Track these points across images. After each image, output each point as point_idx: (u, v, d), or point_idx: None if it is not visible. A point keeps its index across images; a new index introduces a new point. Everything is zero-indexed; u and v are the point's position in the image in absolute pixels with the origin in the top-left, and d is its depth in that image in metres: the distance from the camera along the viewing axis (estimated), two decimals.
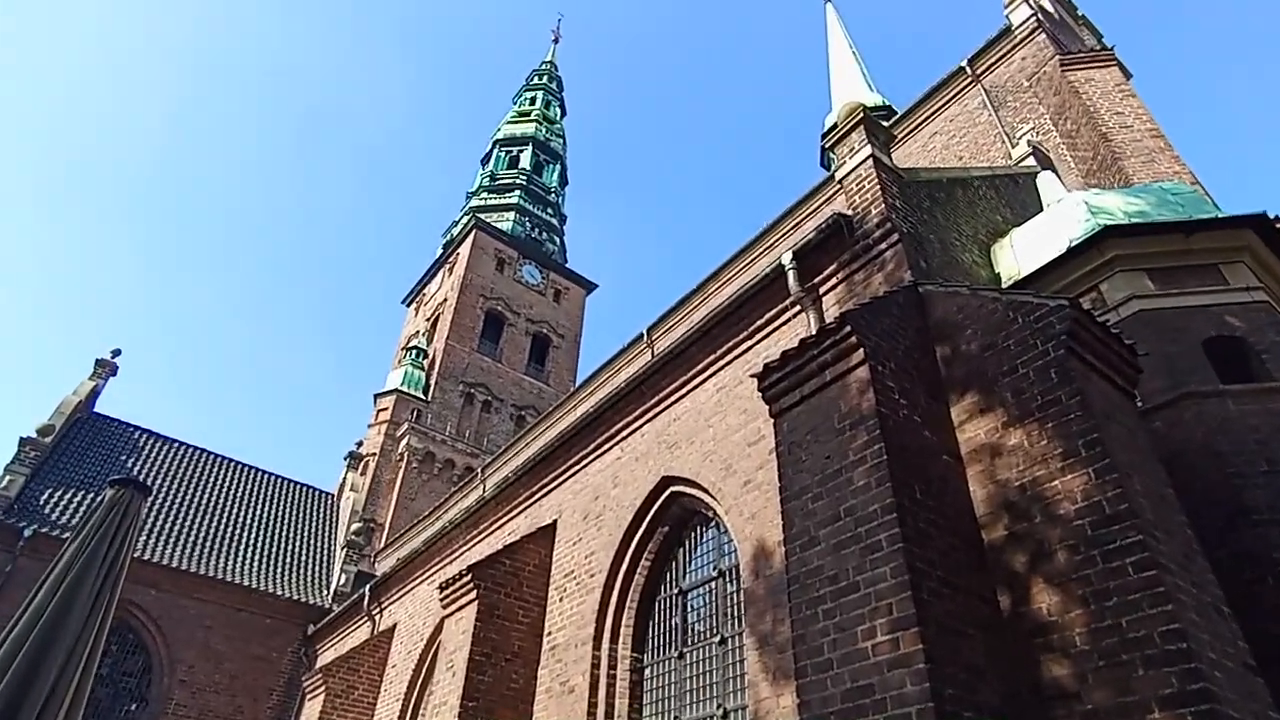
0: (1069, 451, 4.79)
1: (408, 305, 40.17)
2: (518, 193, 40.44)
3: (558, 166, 44.17)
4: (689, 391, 8.38)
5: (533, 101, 45.92)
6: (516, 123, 44.27)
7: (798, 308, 7.27)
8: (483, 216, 37.91)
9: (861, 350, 5.19)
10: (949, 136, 14.00)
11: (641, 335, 18.38)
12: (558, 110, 46.59)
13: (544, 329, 35.92)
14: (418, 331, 36.09)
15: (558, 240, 40.42)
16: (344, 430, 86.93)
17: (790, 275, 7.17)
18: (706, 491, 7.64)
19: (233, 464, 25.55)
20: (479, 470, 23.17)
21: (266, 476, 25.98)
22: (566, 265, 40.27)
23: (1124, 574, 4.33)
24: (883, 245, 6.80)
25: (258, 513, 23.66)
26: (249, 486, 24.83)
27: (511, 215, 39.05)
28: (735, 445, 7.40)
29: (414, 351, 32.51)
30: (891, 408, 5.07)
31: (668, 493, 8.21)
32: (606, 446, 9.42)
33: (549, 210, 41.29)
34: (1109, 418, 4.93)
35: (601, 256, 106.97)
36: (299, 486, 26.64)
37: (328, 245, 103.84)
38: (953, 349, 5.70)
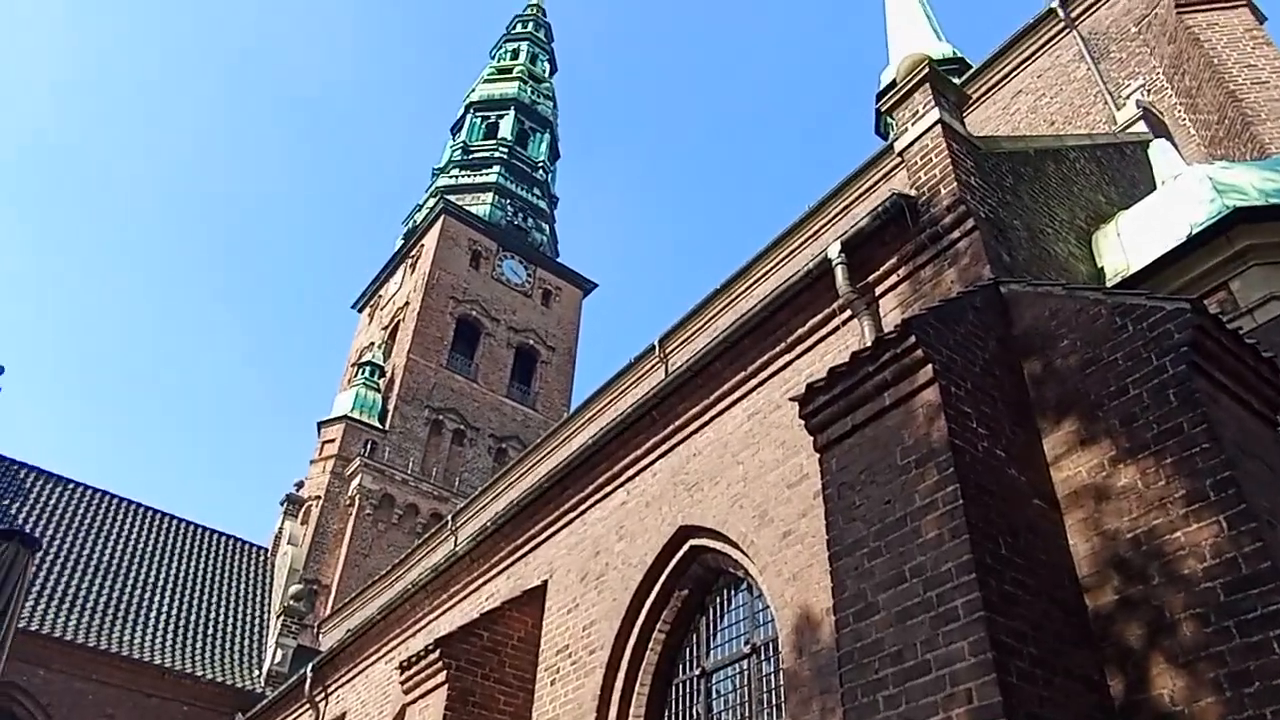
0: (1194, 494, 4.73)
1: (359, 310, 40.42)
2: (497, 169, 40.74)
3: (546, 136, 44.45)
4: (713, 419, 8.43)
5: (515, 55, 46.38)
6: (495, 81, 44.70)
7: (848, 313, 7.28)
8: (453, 199, 38.19)
9: (930, 366, 5.17)
10: (1037, 96, 14.01)
11: (652, 348, 18.49)
12: (546, 65, 47.04)
13: (530, 339, 36.15)
14: (372, 343, 36.35)
15: (547, 228, 40.64)
16: (280, 467, 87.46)
17: (839, 272, 7.18)
18: (735, 545, 7.65)
19: (142, 510, 25.61)
20: (449, 518, 23.20)
21: (185, 526, 26.07)
22: (558, 260, 40.55)
23: (1268, 651, 4.26)
24: (955, 234, 6.80)
25: (174, 572, 23.71)
26: (163, 538, 24.92)
27: (489, 197, 39.30)
28: (771, 487, 7.40)
29: (368, 368, 32.77)
30: (968, 439, 5.04)
31: (687, 547, 8.23)
32: (609, 489, 9.46)
33: (536, 191, 41.56)
34: (1244, 451, 4.88)
35: (602, 249, 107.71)
36: (225, 539, 26.70)
37: (256, 232, 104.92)
38: (1044, 365, 5.67)
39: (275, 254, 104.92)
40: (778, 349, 7.92)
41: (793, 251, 16.06)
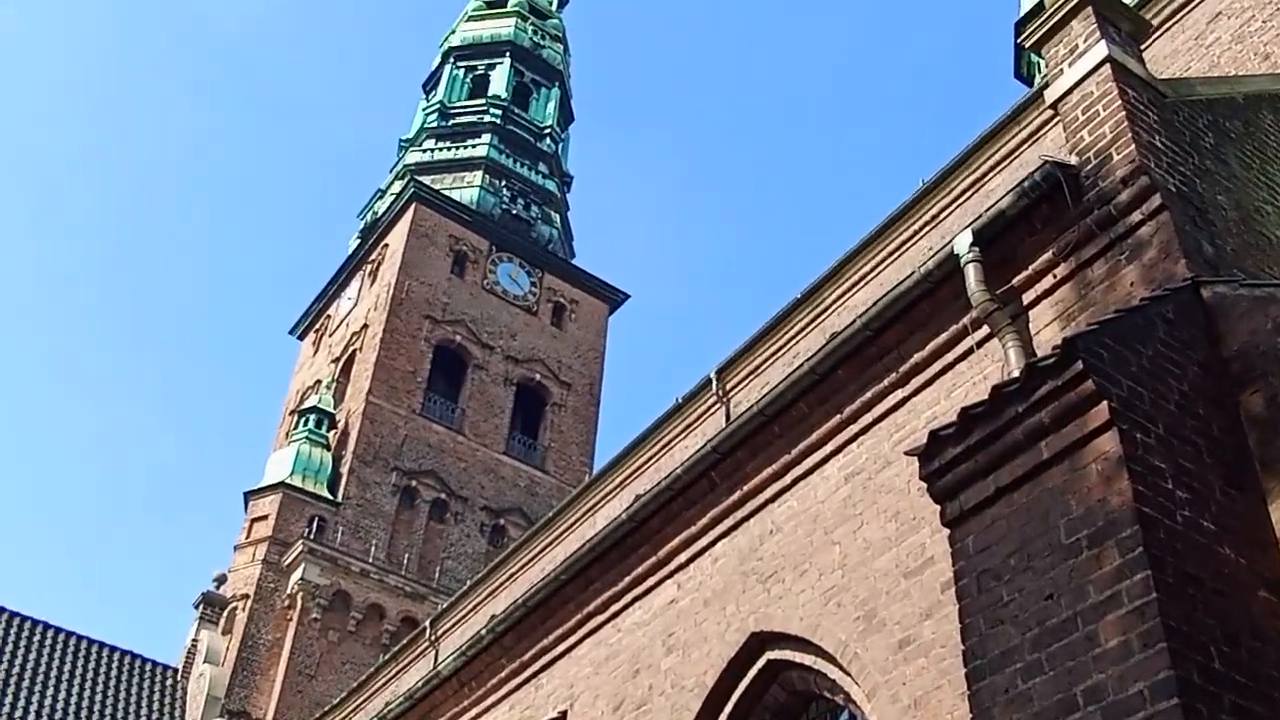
0: None
1: (299, 337, 40.92)
2: (487, 139, 41.11)
3: (555, 92, 44.85)
4: (796, 482, 8.50)
5: None
6: (483, 18, 45.27)
7: (984, 330, 7.27)
8: (427, 181, 38.65)
9: (1105, 404, 5.14)
10: (1244, 19, 13.92)
11: (709, 383, 18.53)
12: None
13: (536, 373, 36.37)
14: (318, 381, 36.80)
15: (558, 219, 40.94)
16: (194, 556, 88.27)
17: (970, 273, 7.18)
18: (832, 660, 7.64)
19: (4, 616, 26.02)
20: (427, 624, 23.26)
21: (62, 638, 26.40)
22: (574, 263, 40.90)
23: None
24: (1135, 216, 6.77)
25: (47, 700, 23.97)
26: (32, 654, 25.23)
27: (477, 177, 39.68)
28: (881, 577, 7.41)
29: (312, 417, 33.08)
30: (1162, 506, 4.99)
31: (763, 662, 8.24)
32: (653, 581, 9.49)
33: (542, 167, 41.88)
34: None
35: (635, 247, 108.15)
36: (117, 655, 27.00)
37: (146, 229, 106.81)
38: (1269, 399, 5.61)
39: (175, 261, 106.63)
40: (886, 382, 7.94)
41: (903, 246, 16.01)
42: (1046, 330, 6.99)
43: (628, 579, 9.70)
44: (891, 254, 16.14)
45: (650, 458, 19.44)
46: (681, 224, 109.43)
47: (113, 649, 27.31)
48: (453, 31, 45.46)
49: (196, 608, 29.10)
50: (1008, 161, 14.87)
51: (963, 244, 7.29)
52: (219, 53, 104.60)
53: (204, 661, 27.72)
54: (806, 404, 8.43)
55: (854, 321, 7.95)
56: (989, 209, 7.31)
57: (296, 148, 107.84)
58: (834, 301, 16.81)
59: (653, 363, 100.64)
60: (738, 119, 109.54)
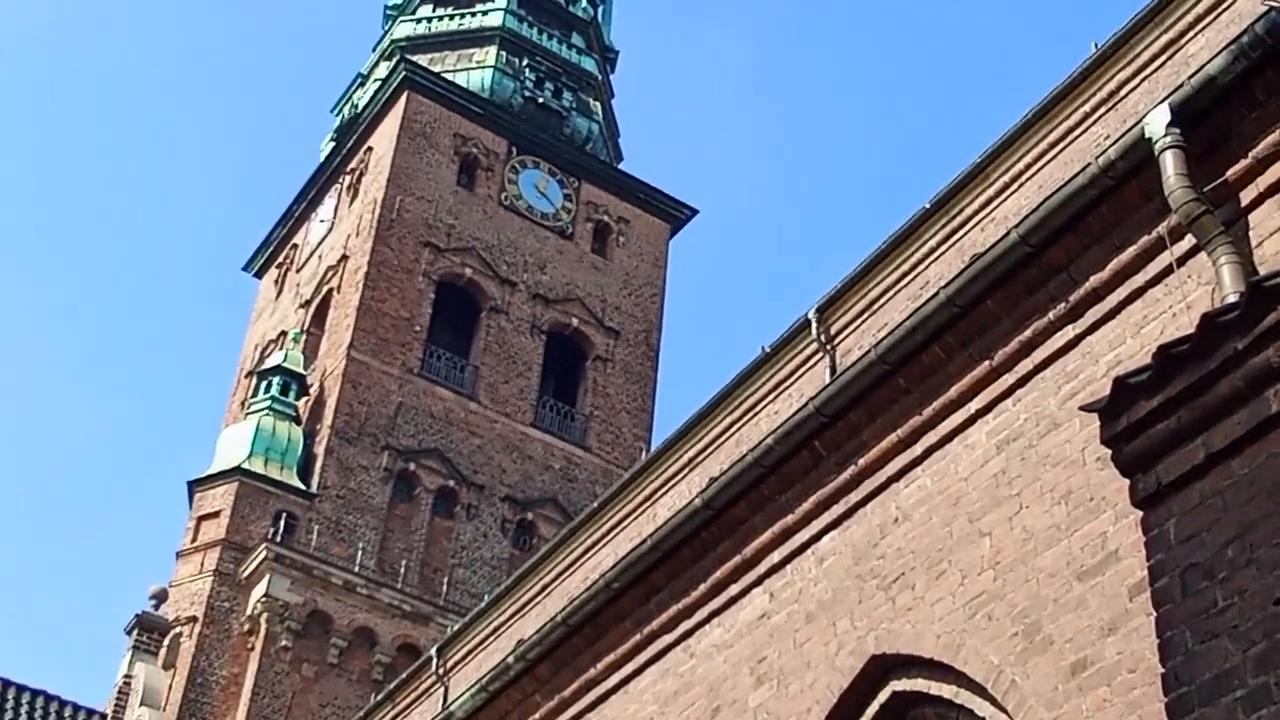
0: None
1: (256, 274, 41.27)
2: (503, 3, 40.83)
3: None
4: (928, 453, 8.54)
5: None
6: None
7: (1187, 240, 7.19)
8: (422, 60, 38.83)
9: None
10: None
11: (806, 324, 18.51)
12: None
13: (574, 317, 36.47)
14: (283, 333, 37.20)
15: (599, 110, 40.88)
16: (124, 566, 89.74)
17: (1167, 164, 7.09)
18: (981, 691, 7.69)
19: None
20: (432, 653, 23.53)
21: None
22: (622, 168, 40.72)
23: None
24: None
25: None
26: None
27: (489, 54, 39.63)
28: (1046, 579, 7.42)
29: (276, 379, 33.47)
30: None
31: (886, 695, 8.32)
32: (735, 590, 9.56)
33: (576, 41, 41.79)
34: None
35: (703, 146, 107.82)
36: (26, 697, 27.47)
37: (56, 124, 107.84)
38: None
39: (83, 169, 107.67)
40: (1051, 316, 7.93)
41: (1070, 134, 15.92)
42: (1273, 239, 6.91)
43: (703, 587, 9.74)
44: (1054, 145, 16.01)
45: (729, 427, 19.44)
46: (765, 113, 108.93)
47: (20, 689, 27.83)
48: None
49: (129, 634, 29.49)
50: (1213, 14, 14.67)
51: (1157, 124, 7.19)
52: None
53: (140, 704, 28.17)
54: (942, 348, 8.42)
55: (1005, 235, 7.89)
56: (1191, 77, 7.22)
57: (244, 14, 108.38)
58: (976, 212, 16.71)
59: (730, 300, 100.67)
60: None
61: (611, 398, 35.78)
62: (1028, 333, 8.02)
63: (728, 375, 19.74)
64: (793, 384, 18.85)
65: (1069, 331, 7.84)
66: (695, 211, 39.74)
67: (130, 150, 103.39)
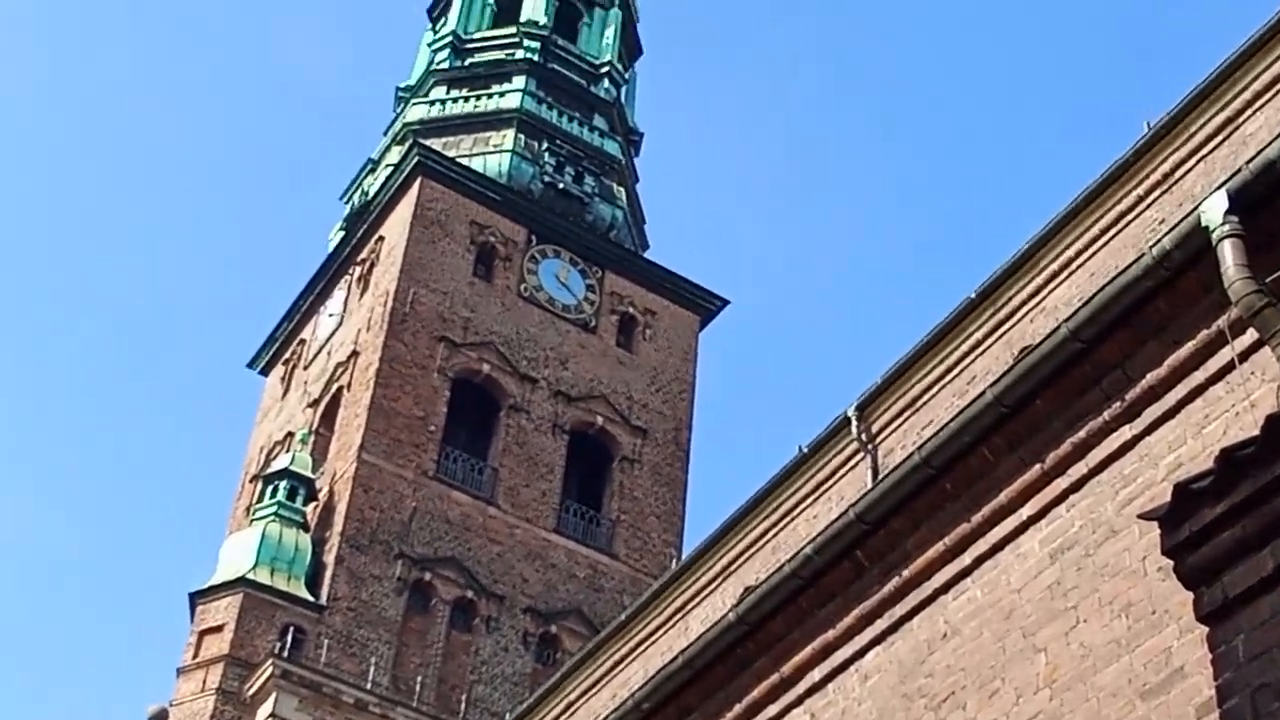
0: None
1: (261, 371, 41.37)
2: (521, 83, 41.32)
3: (616, 14, 45.10)
4: (978, 562, 8.49)
5: None
6: None
7: (1249, 335, 7.14)
8: (437, 145, 39.20)
9: None
10: None
11: (846, 423, 18.51)
12: None
13: (598, 416, 36.55)
14: (289, 434, 37.30)
15: (623, 196, 41.00)
16: (122, 683, 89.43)
17: (1226, 253, 7.03)
18: None
19: None
20: None
21: None
22: (648, 257, 40.84)
23: None
24: None
25: None
26: None
27: (507, 138, 39.86)
28: (1107, 698, 7.33)
29: (283, 484, 33.60)
30: None
31: None
32: (774, 711, 9.49)
33: (599, 122, 42.00)
34: None
35: (734, 233, 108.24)
36: None
37: (52, 208, 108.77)
38: None
39: (80, 258, 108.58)
40: (1105, 416, 7.89)
41: (1121, 219, 16.01)
42: None
43: (738, 708, 9.65)
44: (1106, 230, 16.05)
45: (766, 532, 19.38)
46: (798, 197, 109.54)
47: None
48: None
49: None
50: (1271, 91, 14.69)
51: (1214, 212, 7.16)
52: None
53: None
54: (990, 449, 8.37)
55: (1054, 330, 7.84)
56: (1250, 161, 7.21)
57: (251, 99, 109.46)
58: (1024, 302, 16.75)
59: (764, 396, 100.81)
60: (877, 53, 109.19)
61: (639, 501, 35.73)
62: (1081, 434, 7.95)
63: (763, 477, 19.78)
64: (833, 486, 18.81)
65: (1125, 432, 7.77)
66: (726, 302, 39.91)
67: (127, 242, 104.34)
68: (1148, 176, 15.91)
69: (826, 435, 18.91)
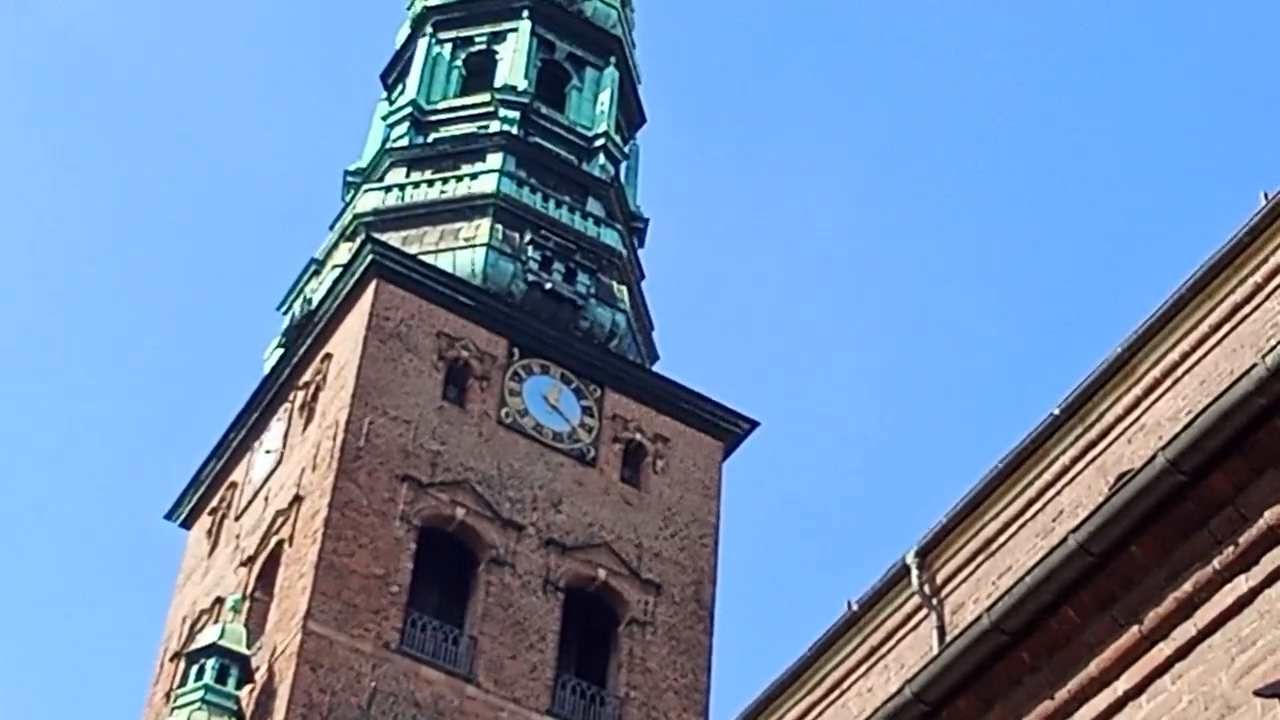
0: None
1: (182, 523, 41.14)
2: (498, 161, 41.26)
3: (611, 75, 45.24)
4: None
5: None
6: None
7: None
8: (394, 239, 39.09)
9: None
10: None
11: (904, 572, 18.47)
12: None
13: (600, 569, 36.30)
14: (218, 601, 36.90)
15: (625, 295, 40.85)
16: None
17: None
18: None
19: None
20: None
21: None
22: (658, 370, 40.70)
23: None
24: None
25: None
26: None
27: (483, 228, 39.78)
28: None
29: (209, 663, 33.07)
30: None
31: None
32: None
33: (594, 207, 41.94)
34: None
35: (763, 341, 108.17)
36: None
37: None
38: None
39: None
40: (1215, 564, 7.85)
41: (1234, 313, 16.04)
42: None
43: None
44: (1215, 329, 16.07)
45: (809, 711, 19.26)
46: (840, 293, 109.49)
47: None
48: None
49: None
50: None
51: None
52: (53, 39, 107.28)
53: None
54: (1076, 609, 8.37)
55: (1152, 459, 7.86)
56: None
57: (168, 189, 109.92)
58: (1118, 419, 16.73)
59: (804, 540, 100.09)
60: (932, 129, 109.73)
61: (653, 673, 35.49)
62: (1187, 586, 7.92)
63: (805, 641, 19.67)
64: (890, 651, 18.71)
65: (1241, 584, 7.74)
66: (754, 424, 39.76)
67: (15, 366, 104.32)
68: (1266, 260, 15.93)
69: (881, 588, 18.84)
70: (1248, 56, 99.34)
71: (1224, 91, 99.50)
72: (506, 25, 44.11)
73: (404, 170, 41.73)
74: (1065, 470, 17.45)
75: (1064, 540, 8.41)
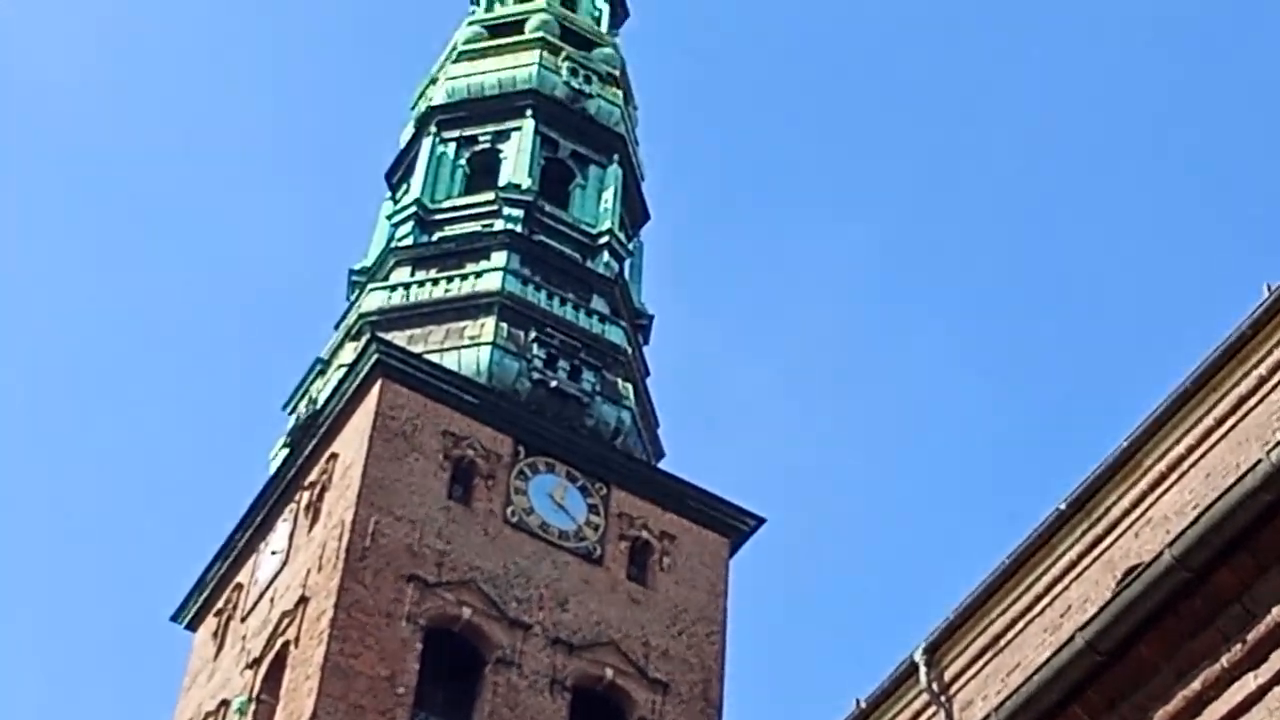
0: None
1: (187, 625, 40.93)
2: (502, 260, 41.26)
3: (614, 172, 45.32)
4: None
5: None
6: (482, 55, 46.67)
7: None
8: (399, 339, 39.21)
9: None
10: None
11: (912, 670, 18.44)
12: (601, 7, 48.75)
13: (607, 668, 36.07)
14: (223, 704, 36.72)
15: (630, 393, 40.77)
16: None
17: None
18: None
19: None
20: None
21: None
22: (663, 467, 40.67)
23: None
24: None
25: None
26: None
27: (488, 327, 39.84)
28: None
29: None
30: None
31: None
32: None
33: (598, 304, 41.89)
34: None
35: (768, 436, 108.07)
36: None
37: None
38: None
39: None
40: (1224, 661, 7.81)
41: (1240, 405, 16.08)
42: None
43: None
44: (1221, 422, 16.10)
45: None
46: (847, 390, 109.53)
47: None
48: (432, 81, 46.68)
49: None
50: None
51: None
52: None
53: None
54: (1086, 707, 8.34)
55: (1159, 556, 7.85)
56: None
57: (173, 289, 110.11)
58: (1125, 514, 16.75)
59: (811, 636, 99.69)
60: (937, 222, 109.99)
61: None
62: (1195, 685, 7.87)
63: None
64: None
65: (1249, 681, 7.69)
66: (761, 521, 39.55)
67: (17, 468, 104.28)
68: (1270, 352, 15.97)
69: (889, 685, 18.82)
70: (1250, 149, 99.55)
71: (1227, 183, 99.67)
72: (510, 124, 44.17)
73: (409, 269, 41.66)
74: (1072, 565, 17.48)
75: (1071, 639, 8.38)
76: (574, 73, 45.65)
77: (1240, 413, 16.10)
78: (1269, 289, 15.93)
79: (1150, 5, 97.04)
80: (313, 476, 37.75)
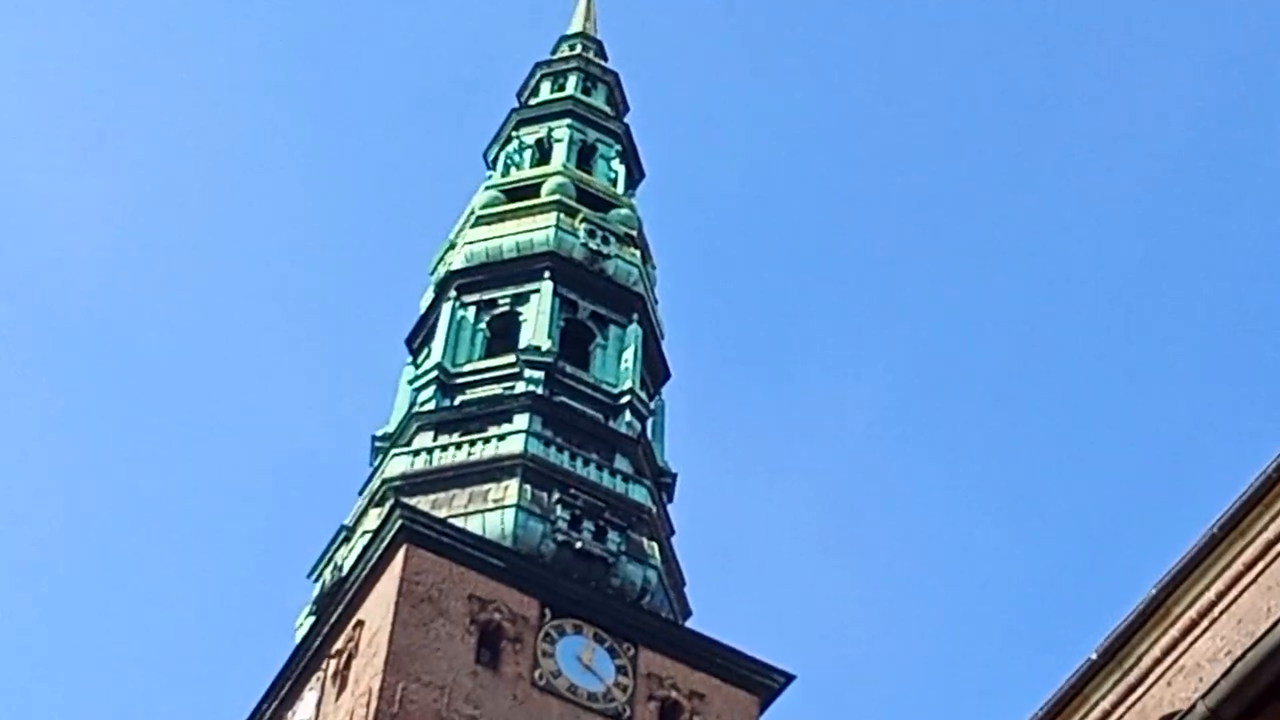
0: None
1: None
2: (524, 422, 41.21)
3: (634, 332, 45.30)
4: None
5: (542, 155, 48.64)
6: (499, 219, 46.86)
7: None
8: (423, 504, 38.82)
9: None
10: None
11: None
12: (617, 172, 49.16)
13: None
14: None
15: (656, 552, 40.45)
16: None
17: None
18: None
19: None
20: None
21: None
22: (691, 626, 40.27)
23: None
24: None
25: None
26: None
27: (511, 490, 39.62)
28: None
29: None
30: None
31: None
32: None
33: (621, 464, 41.67)
34: None
35: (798, 590, 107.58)
36: None
37: None
38: None
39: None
40: None
41: (1266, 552, 15.93)
42: None
43: None
44: (1250, 566, 15.97)
45: None
46: (878, 544, 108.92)
47: None
48: (451, 246, 46.80)
49: None
50: None
51: None
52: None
53: None
54: None
55: (1192, 708, 7.83)
56: None
57: (193, 461, 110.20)
58: (1156, 663, 16.62)
59: None
60: (960, 365, 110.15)
61: None
62: None
63: None
64: None
65: None
66: (791, 678, 39.15)
67: (31, 659, 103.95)
68: None
69: None
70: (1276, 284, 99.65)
71: (1253, 319, 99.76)
72: (529, 286, 44.25)
73: (431, 433, 41.59)
74: (1106, 715, 17.32)
75: None
76: (591, 234, 45.79)
77: (1270, 556, 16.01)
78: None
79: (1158, 156, 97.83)
80: (339, 644, 37.51)
